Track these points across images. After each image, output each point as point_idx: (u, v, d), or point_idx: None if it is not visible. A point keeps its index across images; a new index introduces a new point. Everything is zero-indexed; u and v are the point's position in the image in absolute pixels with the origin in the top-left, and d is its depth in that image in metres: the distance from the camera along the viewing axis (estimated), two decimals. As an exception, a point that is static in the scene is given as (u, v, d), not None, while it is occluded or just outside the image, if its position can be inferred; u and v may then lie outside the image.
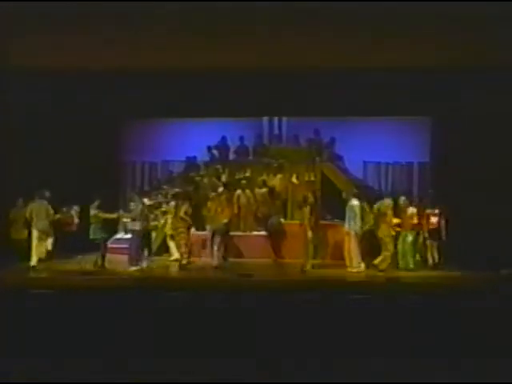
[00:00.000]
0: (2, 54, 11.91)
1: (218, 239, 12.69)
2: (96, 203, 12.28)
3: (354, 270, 12.21)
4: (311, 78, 13.07)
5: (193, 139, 15.87)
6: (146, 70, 12.80)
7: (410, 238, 12.51)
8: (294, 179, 14.66)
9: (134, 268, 12.05)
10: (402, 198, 12.89)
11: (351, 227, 12.23)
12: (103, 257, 12.39)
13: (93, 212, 12.32)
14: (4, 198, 12.58)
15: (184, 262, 12.74)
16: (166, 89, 13.42)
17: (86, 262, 12.50)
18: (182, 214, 12.70)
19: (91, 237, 12.24)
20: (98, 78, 12.91)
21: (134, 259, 12.11)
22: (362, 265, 12.37)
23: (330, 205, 13.61)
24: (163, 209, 13.83)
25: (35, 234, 12.23)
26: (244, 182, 14.66)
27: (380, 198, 13.28)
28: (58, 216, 12.47)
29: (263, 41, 11.54)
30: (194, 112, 14.43)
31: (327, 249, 13.77)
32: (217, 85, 13.27)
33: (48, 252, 12.53)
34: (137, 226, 12.19)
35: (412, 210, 12.70)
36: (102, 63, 12.45)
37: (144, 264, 12.28)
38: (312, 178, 14.73)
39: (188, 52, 12.02)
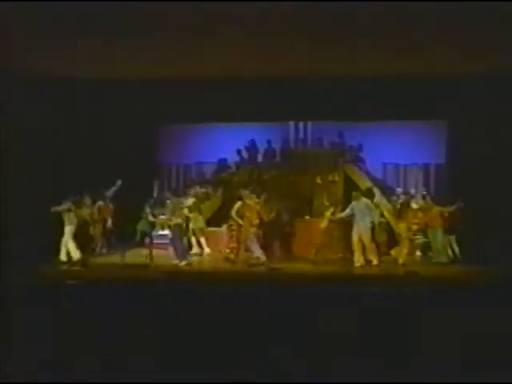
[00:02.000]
0: (43, 64, 12.34)
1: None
2: (151, 201, 13.33)
3: (358, 265, 12.57)
4: (334, 84, 13.41)
5: (224, 142, 16.30)
6: (182, 79, 13.23)
7: (439, 235, 12.94)
8: (318, 180, 15.09)
9: (184, 262, 12.43)
10: (426, 197, 13.43)
11: (363, 224, 12.56)
12: (151, 251, 12.92)
13: (148, 210, 13.26)
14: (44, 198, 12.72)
15: (232, 256, 13.13)
16: (199, 96, 13.82)
17: (131, 256, 12.83)
18: (233, 213, 12.95)
19: (140, 228, 13.02)
20: (138, 86, 13.25)
21: (181, 254, 12.46)
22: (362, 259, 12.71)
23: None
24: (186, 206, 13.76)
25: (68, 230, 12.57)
26: (272, 182, 15.05)
27: (397, 196, 13.89)
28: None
29: (289, 47, 11.66)
30: (225, 117, 14.91)
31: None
32: (246, 91, 13.65)
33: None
34: (178, 222, 12.62)
35: (435, 208, 13.09)
36: (141, 72, 12.89)
37: (191, 258, 12.68)
38: (336, 179, 15.13)
39: (218, 60, 12.33)
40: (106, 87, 13.35)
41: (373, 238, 12.68)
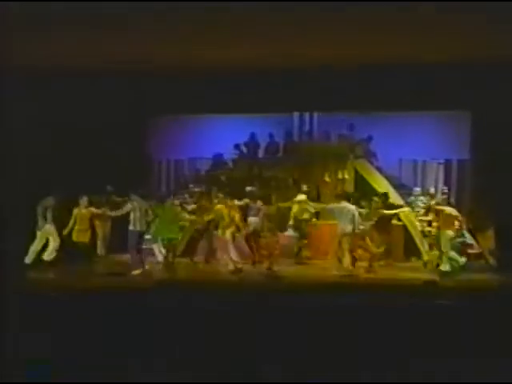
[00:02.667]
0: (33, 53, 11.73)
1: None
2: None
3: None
4: (342, 70, 12.71)
5: (220, 136, 15.69)
6: (170, 64, 12.59)
7: (448, 237, 12.07)
8: (326, 177, 14.58)
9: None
10: (442, 197, 12.87)
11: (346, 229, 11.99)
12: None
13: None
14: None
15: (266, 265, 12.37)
16: (192, 84, 13.15)
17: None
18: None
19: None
20: (122, 73, 12.65)
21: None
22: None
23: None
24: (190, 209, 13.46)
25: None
26: (274, 180, 14.68)
27: (415, 197, 13.40)
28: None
29: (293, 32, 11.03)
30: (221, 108, 14.09)
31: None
32: (244, 79, 12.96)
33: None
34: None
35: (450, 209, 12.40)
36: (127, 58, 12.13)
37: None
38: (345, 176, 14.59)
39: (213, 46, 11.75)
40: (89, 75, 12.75)
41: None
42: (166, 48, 11.89)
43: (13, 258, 11.04)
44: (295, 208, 13.13)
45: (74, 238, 11.89)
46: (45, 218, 12.04)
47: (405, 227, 13.34)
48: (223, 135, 15.62)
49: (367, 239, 12.21)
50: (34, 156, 12.85)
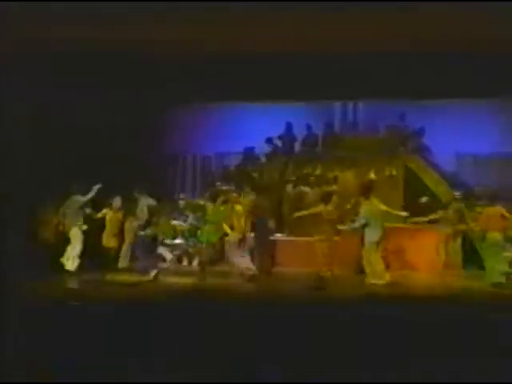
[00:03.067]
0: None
1: None
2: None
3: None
4: (391, 52, 11.54)
5: (251, 128, 14.85)
6: (196, 46, 11.42)
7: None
8: (371, 175, 13.77)
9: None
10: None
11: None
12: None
13: None
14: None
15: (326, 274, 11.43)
16: (221, 69, 12.14)
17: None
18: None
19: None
20: (141, 55, 11.49)
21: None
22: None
23: (415, 205, 12.48)
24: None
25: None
26: (313, 178, 13.86)
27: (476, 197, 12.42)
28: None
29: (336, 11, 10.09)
30: (253, 95, 13.27)
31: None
32: (281, 63, 11.88)
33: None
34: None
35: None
36: (146, 37, 11.05)
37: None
38: (393, 173, 13.86)
39: (245, 25, 10.68)
40: (104, 57, 11.56)
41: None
42: (190, 27, 10.85)
43: (12, 258, 10.03)
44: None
45: (105, 242, 11.50)
46: (71, 219, 11.65)
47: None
48: (255, 127, 14.84)
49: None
50: (53, 152, 12.13)
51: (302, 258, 12.09)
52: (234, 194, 12.21)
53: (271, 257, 12.08)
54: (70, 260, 11.50)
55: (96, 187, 11.71)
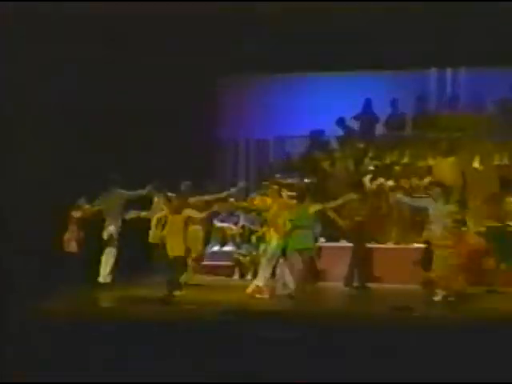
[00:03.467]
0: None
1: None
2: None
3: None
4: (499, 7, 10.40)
5: (320, 105, 13.41)
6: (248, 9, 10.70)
7: None
8: (476, 163, 12.36)
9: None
10: None
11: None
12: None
13: None
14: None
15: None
16: (282, 34, 11.26)
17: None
18: None
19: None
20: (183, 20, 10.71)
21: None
22: None
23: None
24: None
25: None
26: (398, 167, 12.50)
27: None
28: None
29: None
30: (322, 64, 12.27)
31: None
32: (355, 24, 10.94)
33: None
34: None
35: None
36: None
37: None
38: (505, 162, 12.47)
39: None
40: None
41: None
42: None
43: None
44: None
45: (170, 251, 10.13)
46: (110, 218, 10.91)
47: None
48: (324, 104, 13.46)
49: None
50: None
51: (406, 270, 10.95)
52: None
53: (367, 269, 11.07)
54: (104, 269, 10.83)
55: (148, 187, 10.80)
